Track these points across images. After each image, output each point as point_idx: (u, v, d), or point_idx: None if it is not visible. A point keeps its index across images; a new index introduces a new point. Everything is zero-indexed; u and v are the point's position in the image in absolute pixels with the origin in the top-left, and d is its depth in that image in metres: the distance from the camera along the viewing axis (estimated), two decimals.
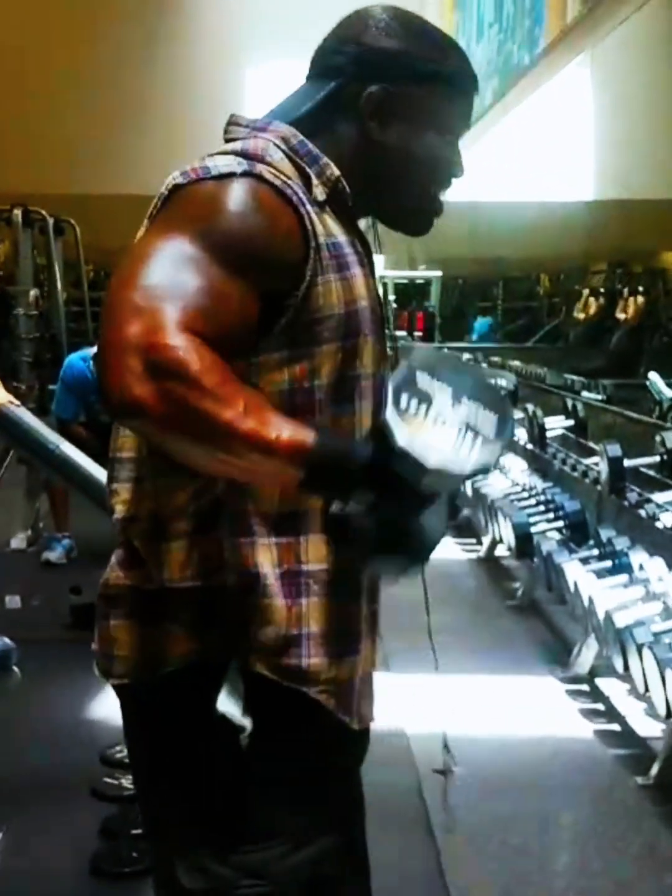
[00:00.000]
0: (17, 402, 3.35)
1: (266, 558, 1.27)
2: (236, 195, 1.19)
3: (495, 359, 8.82)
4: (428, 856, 2.72)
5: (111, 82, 11.09)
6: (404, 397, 1.10)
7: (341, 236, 1.29)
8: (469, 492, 5.55)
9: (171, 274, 1.13)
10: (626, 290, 11.89)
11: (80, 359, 5.39)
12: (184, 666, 1.28)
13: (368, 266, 1.34)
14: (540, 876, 2.72)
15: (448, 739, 2.64)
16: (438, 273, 16.77)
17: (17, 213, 6.74)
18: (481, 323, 16.49)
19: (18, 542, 5.67)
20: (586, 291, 13.41)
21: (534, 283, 17.71)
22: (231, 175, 1.21)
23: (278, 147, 1.28)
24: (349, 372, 1.28)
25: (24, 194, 7.42)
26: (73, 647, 4.18)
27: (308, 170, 1.28)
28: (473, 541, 5.88)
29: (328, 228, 1.27)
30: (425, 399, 1.11)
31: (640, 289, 11.44)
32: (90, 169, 10.95)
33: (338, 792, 1.40)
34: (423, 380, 1.12)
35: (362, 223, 1.40)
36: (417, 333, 14.20)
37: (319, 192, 1.28)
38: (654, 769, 3.12)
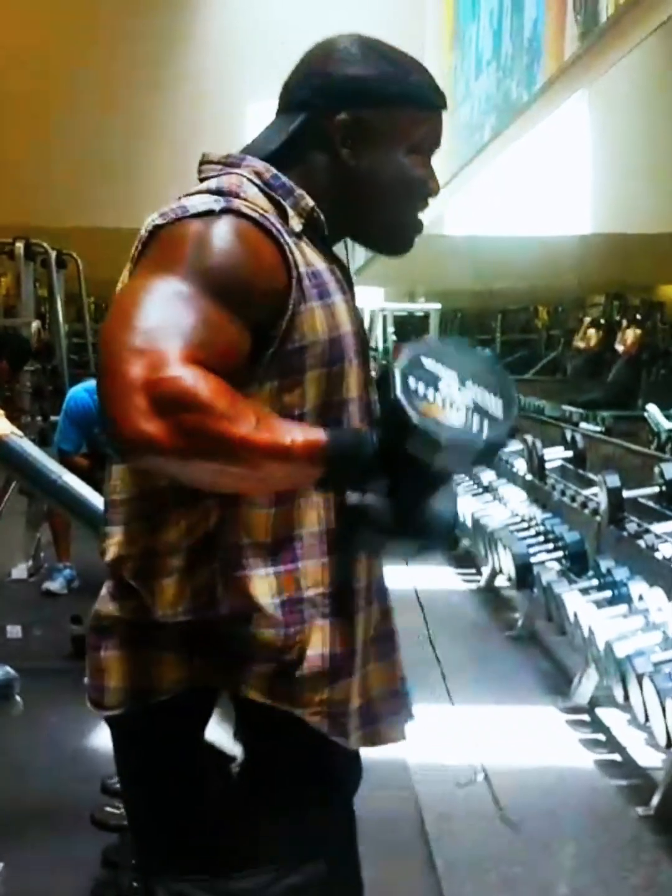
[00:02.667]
0: (20, 433, 3.38)
1: (263, 589, 1.27)
2: (218, 232, 1.22)
3: None
4: (429, 886, 2.72)
5: (114, 116, 11.20)
6: (412, 380, 1.13)
7: (320, 264, 1.31)
8: (469, 523, 5.57)
9: (166, 313, 1.15)
10: (624, 323, 11.95)
11: (85, 391, 5.40)
12: (175, 694, 1.29)
13: (349, 292, 1.36)
14: None
15: (453, 770, 2.64)
16: (437, 306, 16.84)
17: (19, 246, 6.81)
18: None
19: (20, 571, 5.67)
20: (586, 322, 13.45)
21: (532, 316, 17.78)
22: (209, 213, 1.23)
23: (252, 182, 1.30)
24: (336, 397, 1.31)
25: (27, 227, 7.49)
26: (75, 677, 4.17)
27: (283, 202, 1.31)
28: (473, 571, 5.89)
29: (307, 258, 1.29)
30: (432, 382, 1.14)
31: (638, 320, 11.49)
32: (93, 202, 11.04)
33: (328, 817, 1.39)
34: (429, 363, 1.15)
35: (338, 249, 1.41)
36: None
37: (295, 224, 1.30)
38: (655, 799, 3.11)
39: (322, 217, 1.33)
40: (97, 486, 3.47)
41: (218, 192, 1.27)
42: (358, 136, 1.34)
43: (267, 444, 1.10)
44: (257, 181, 1.31)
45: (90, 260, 8.23)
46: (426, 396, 1.12)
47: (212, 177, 1.32)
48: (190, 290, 1.17)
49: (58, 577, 5.39)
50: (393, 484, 1.14)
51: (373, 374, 1.40)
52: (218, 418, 1.08)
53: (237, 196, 1.26)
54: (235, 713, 1.27)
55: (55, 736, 3.56)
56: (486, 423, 1.13)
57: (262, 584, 1.27)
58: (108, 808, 2.60)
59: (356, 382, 1.33)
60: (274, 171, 1.33)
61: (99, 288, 11.57)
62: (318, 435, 1.13)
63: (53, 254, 7.24)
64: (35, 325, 6.78)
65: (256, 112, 11.86)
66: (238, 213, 1.23)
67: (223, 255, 1.21)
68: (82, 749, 3.47)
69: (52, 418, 5.94)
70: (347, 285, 1.36)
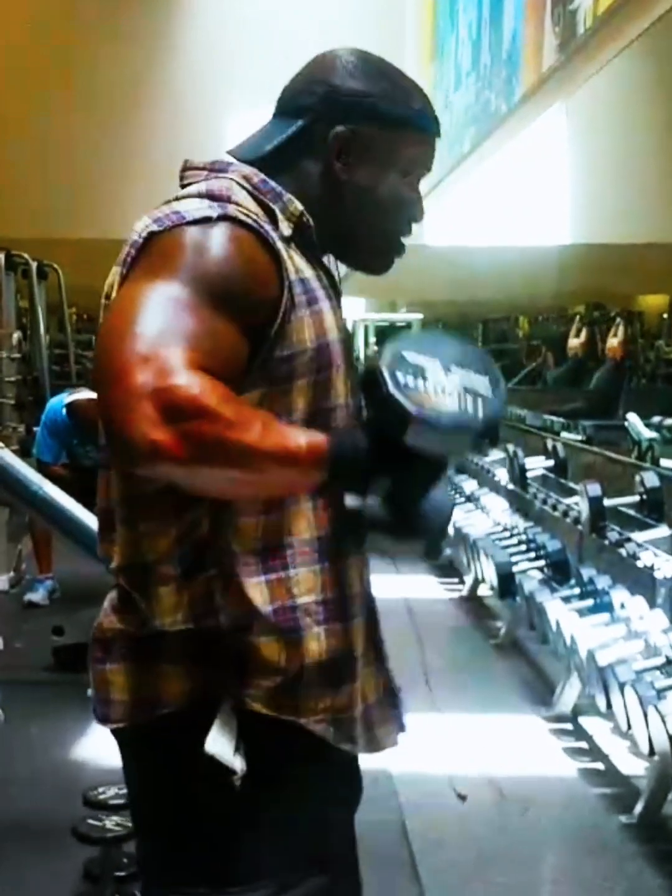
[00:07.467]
0: (1, 444, 3.37)
1: (257, 596, 1.27)
2: (215, 239, 1.21)
3: None
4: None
5: (95, 128, 11.19)
6: (400, 374, 1.14)
7: (308, 271, 1.31)
8: (452, 532, 5.57)
9: (167, 320, 1.15)
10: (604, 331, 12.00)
11: (63, 403, 5.40)
12: (179, 707, 1.28)
13: (336, 299, 1.36)
14: None
15: (436, 779, 2.64)
16: (419, 316, 16.90)
17: (0, 257, 6.78)
18: None
19: (1, 583, 5.66)
20: (572, 333, 13.48)
21: (513, 326, 17.86)
22: (207, 220, 1.22)
23: (241, 186, 1.30)
24: (324, 404, 1.31)
25: (7, 238, 7.47)
26: (56, 689, 4.18)
27: (272, 206, 1.30)
28: (456, 580, 5.89)
29: (296, 264, 1.29)
30: (419, 373, 1.15)
31: (619, 332, 11.54)
32: (74, 214, 11.02)
33: (330, 832, 1.39)
34: (412, 356, 1.16)
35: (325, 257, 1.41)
36: None
37: (285, 228, 1.30)
38: (638, 807, 3.12)
39: (311, 222, 1.33)
40: (77, 497, 3.47)
41: (209, 195, 1.26)
42: (353, 151, 1.34)
43: (273, 449, 1.11)
44: (246, 185, 1.30)
45: (71, 271, 8.21)
46: (416, 387, 1.13)
47: (197, 182, 1.32)
48: (190, 298, 1.17)
49: (39, 589, 5.37)
50: (394, 482, 1.15)
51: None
52: (225, 425, 1.09)
53: (229, 200, 1.26)
54: (237, 726, 1.27)
55: (36, 748, 3.54)
56: (479, 402, 1.14)
57: (256, 591, 1.27)
58: (90, 821, 2.58)
59: (343, 389, 1.33)
60: (262, 175, 1.32)
61: (80, 299, 11.55)
62: (320, 438, 1.14)
63: (34, 265, 7.21)
64: (16, 336, 6.75)
65: (235, 125, 11.88)
66: (235, 220, 1.23)
67: (221, 262, 1.20)
68: (64, 761, 3.46)
69: (34, 429, 5.92)
70: (334, 291, 1.36)
